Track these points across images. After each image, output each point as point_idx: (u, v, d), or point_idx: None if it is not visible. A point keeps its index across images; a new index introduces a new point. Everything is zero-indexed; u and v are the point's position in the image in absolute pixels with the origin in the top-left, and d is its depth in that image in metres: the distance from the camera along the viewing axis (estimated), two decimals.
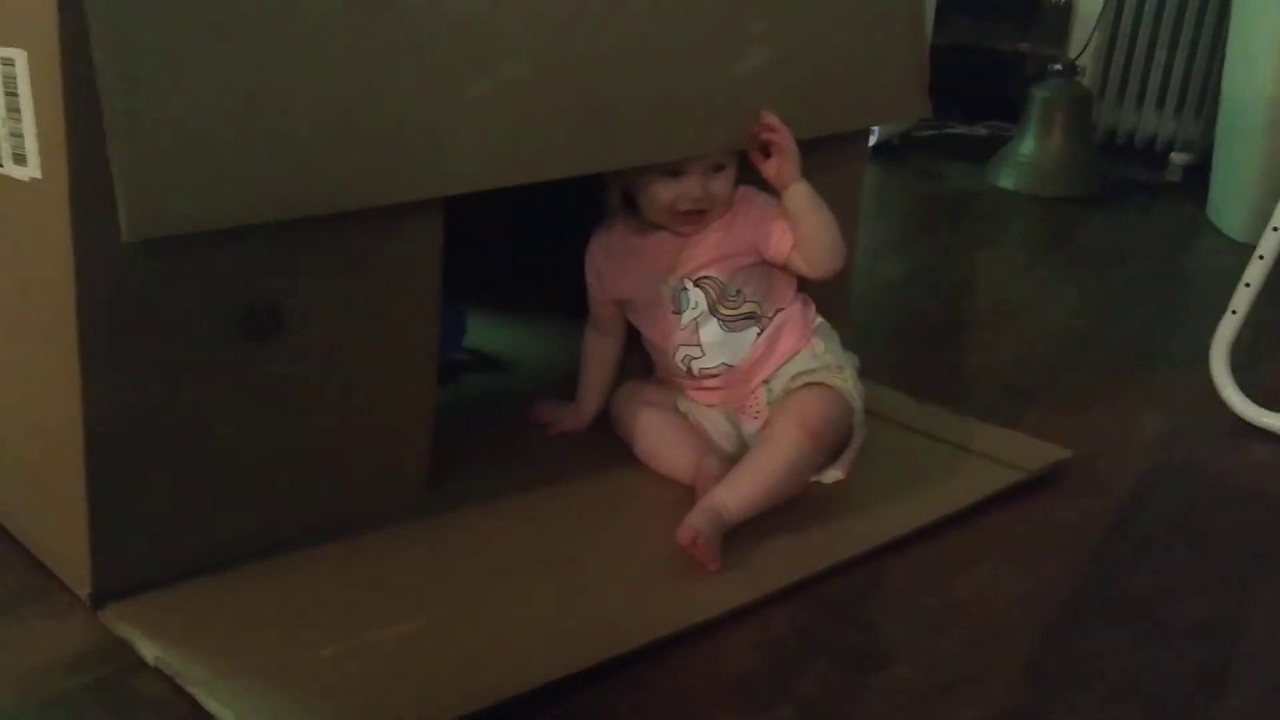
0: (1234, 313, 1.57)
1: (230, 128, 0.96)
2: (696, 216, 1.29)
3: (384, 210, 1.06)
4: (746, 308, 1.30)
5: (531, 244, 1.69)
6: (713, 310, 1.29)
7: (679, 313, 1.30)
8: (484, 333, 1.61)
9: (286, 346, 1.07)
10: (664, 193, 1.27)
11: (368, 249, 1.09)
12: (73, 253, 0.93)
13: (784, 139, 1.27)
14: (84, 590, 1.02)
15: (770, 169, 1.29)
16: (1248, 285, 1.55)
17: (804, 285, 1.36)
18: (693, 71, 1.26)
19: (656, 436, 1.31)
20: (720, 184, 1.28)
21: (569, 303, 1.39)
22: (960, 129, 3.11)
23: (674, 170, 1.26)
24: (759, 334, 1.30)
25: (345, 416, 1.13)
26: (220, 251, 1.00)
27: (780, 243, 1.30)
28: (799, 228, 1.29)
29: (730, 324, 1.30)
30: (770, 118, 1.27)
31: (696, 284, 1.30)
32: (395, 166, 1.06)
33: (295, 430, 1.10)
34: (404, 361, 1.16)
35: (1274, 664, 1.09)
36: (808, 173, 1.29)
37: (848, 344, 1.37)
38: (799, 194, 1.28)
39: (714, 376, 1.31)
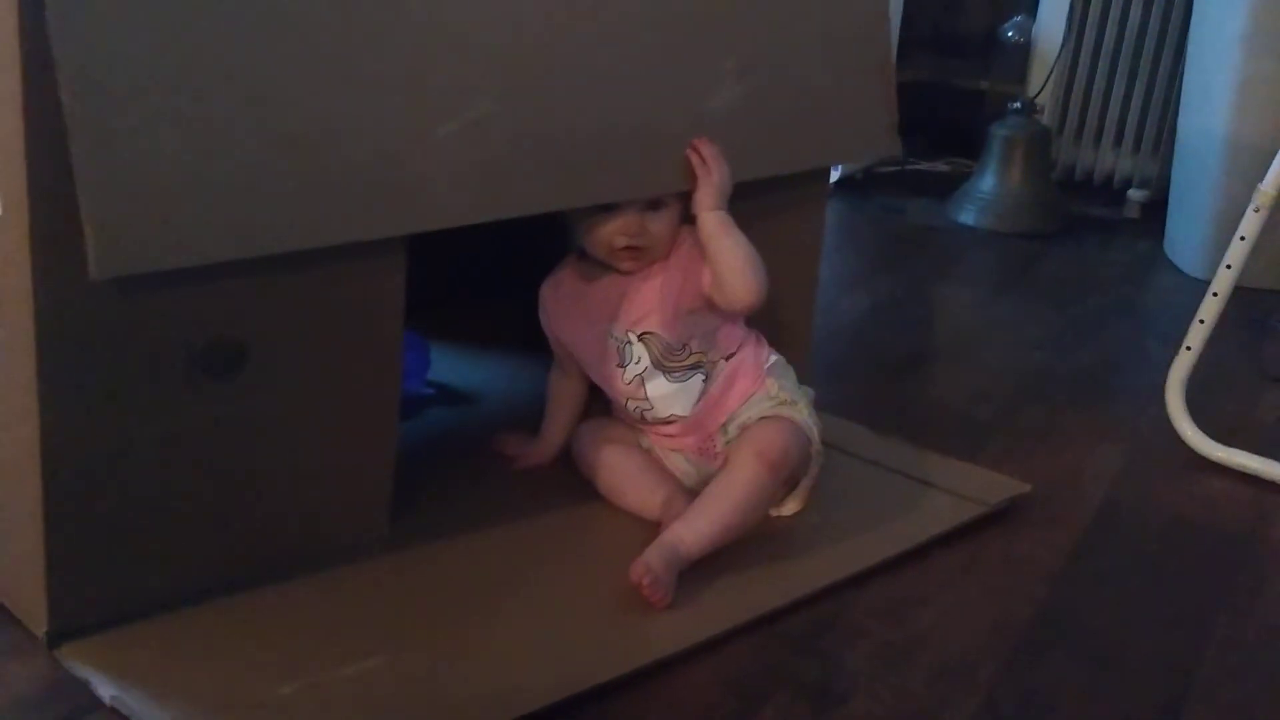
0: (1189, 348, 1.59)
1: (197, 166, 0.96)
2: (636, 253, 1.27)
3: (346, 247, 1.06)
4: (691, 360, 1.29)
5: (497, 278, 1.69)
6: (657, 365, 1.28)
7: (622, 366, 1.30)
8: (449, 367, 1.61)
9: (248, 382, 1.06)
10: (601, 230, 1.26)
11: (330, 285, 1.09)
12: (33, 290, 0.93)
13: (710, 166, 1.25)
14: (40, 629, 1.02)
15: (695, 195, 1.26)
16: (1202, 321, 1.57)
17: (758, 322, 1.36)
18: (665, 108, 1.27)
19: (618, 473, 1.31)
20: (659, 223, 1.26)
21: (534, 337, 1.40)
22: (922, 165, 3.14)
23: (610, 206, 1.25)
24: (704, 380, 1.29)
25: (307, 452, 1.13)
26: (181, 289, 1.00)
27: (705, 276, 1.27)
28: (708, 254, 1.25)
29: (675, 375, 1.29)
30: (704, 144, 1.26)
31: (640, 338, 1.28)
32: (360, 205, 1.06)
33: (256, 466, 1.10)
34: (366, 397, 1.16)
35: (1229, 697, 1.11)
36: (771, 208, 1.30)
37: (806, 378, 1.38)
38: (710, 221, 1.24)
39: (668, 424, 1.31)
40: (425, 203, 1.10)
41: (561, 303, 1.34)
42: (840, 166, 2.73)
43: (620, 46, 1.23)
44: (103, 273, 0.91)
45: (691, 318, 1.28)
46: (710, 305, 1.27)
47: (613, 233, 1.25)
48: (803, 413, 1.29)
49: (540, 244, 1.40)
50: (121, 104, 0.92)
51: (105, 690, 0.96)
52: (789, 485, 1.29)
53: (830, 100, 1.44)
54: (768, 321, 1.39)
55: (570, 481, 1.35)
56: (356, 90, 1.05)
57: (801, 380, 1.36)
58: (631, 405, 1.31)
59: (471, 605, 1.13)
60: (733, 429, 1.29)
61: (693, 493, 1.26)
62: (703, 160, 1.25)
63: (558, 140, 1.18)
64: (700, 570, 1.17)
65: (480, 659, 1.05)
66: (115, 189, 0.92)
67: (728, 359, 1.30)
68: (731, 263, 1.24)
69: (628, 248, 1.26)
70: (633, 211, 1.25)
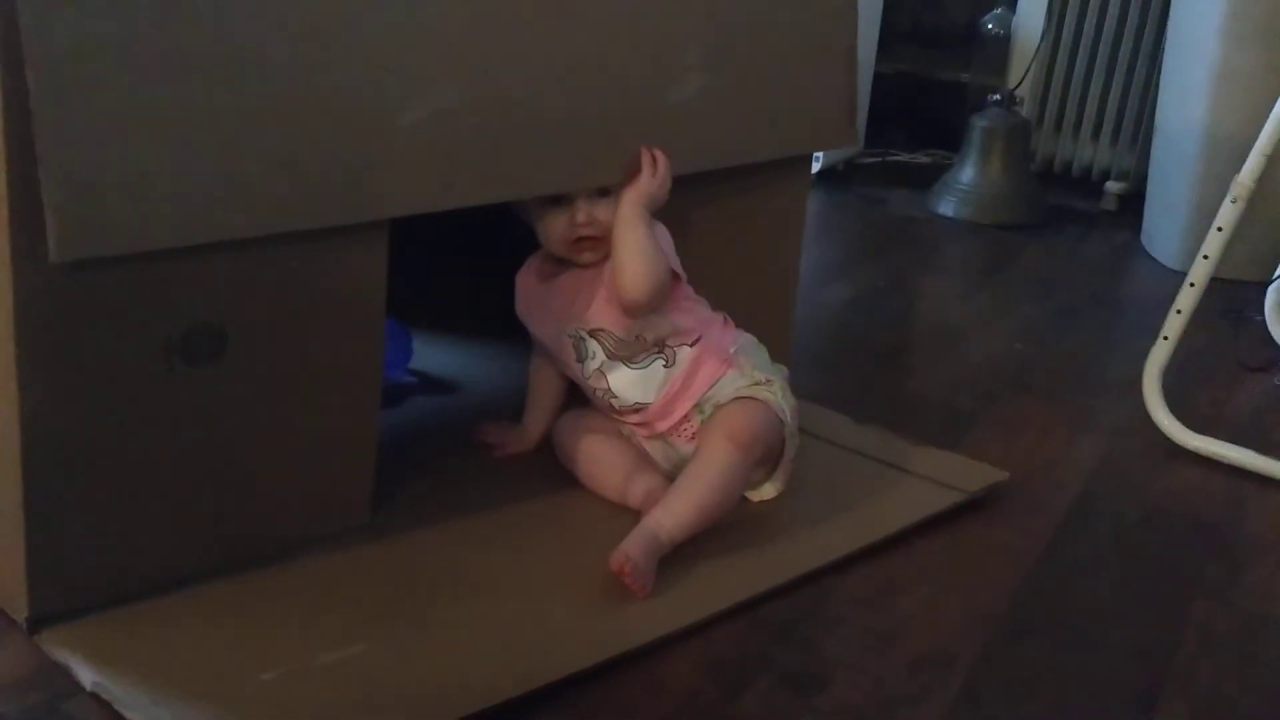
0: (1166, 338, 1.60)
1: (163, 149, 0.96)
2: (593, 243, 1.27)
3: (327, 232, 1.06)
4: (647, 347, 1.29)
5: (479, 266, 1.69)
6: (614, 358, 1.29)
7: (581, 361, 1.31)
8: (431, 355, 1.61)
9: (228, 369, 1.06)
10: (554, 224, 1.27)
11: (311, 271, 1.09)
12: (11, 275, 0.93)
13: (651, 169, 1.25)
14: (21, 614, 1.01)
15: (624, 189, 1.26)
16: (1179, 312, 1.59)
17: (740, 311, 1.36)
18: (629, 97, 1.27)
19: (598, 462, 1.31)
20: (605, 210, 1.26)
21: (516, 324, 1.40)
22: (903, 157, 3.15)
23: (558, 199, 1.25)
24: (666, 366, 1.29)
25: (288, 439, 1.13)
26: (160, 273, 0.99)
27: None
28: (612, 245, 1.25)
29: (635, 364, 1.29)
30: (659, 152, 1.25)
31: (591, 334, 1.29)
32: (332, 189, 1.06)
33: (237, 453, 1.10)
34: (347, 384, 1.16)
35: (1205, 684, 1.12)
36: (754, 197, 1.30)
37: (787, 367, 1.39)
38: (622, 212, 1.25)
39: (636, 412, 1.31)
40: (393, 189, 1.10)
41: (526, 296, 1.35)
42: (821, 158, 2.74)
43: (583, 36, 1.23)
44: (62, 255, 0.91)
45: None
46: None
47: (564, 225, 1.26)
48: (776, 393, 1.29)
49: (520, 230, 1.40)
50: (87, 87, 0.91)
51: (86, 676, 0.96)
52: (764, 465, 1.30)
53: (791, 91, 1.44)
54: (749, 310, 1.39)
55: (552, 470, 1.35)
56: (323, 74, 1.05)
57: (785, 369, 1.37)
58: (599, 394, 1.32)
59: (453, 593, 1.13)
60: (708, 408, 1.29)
61: (672, 479, 1.27)
62: (651, 161, 1.26)
63: (521, 129, 1.18)
64: (681, 557, 1.17)
65: (462, 646, 1.05)
66: (78, 172, 0.91)
67: (692, 345, 1.30)
68: (622, 256, 1.24)
69: (584, 238, 1.27)
70: (580, 201, 1.25)
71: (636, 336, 1.28)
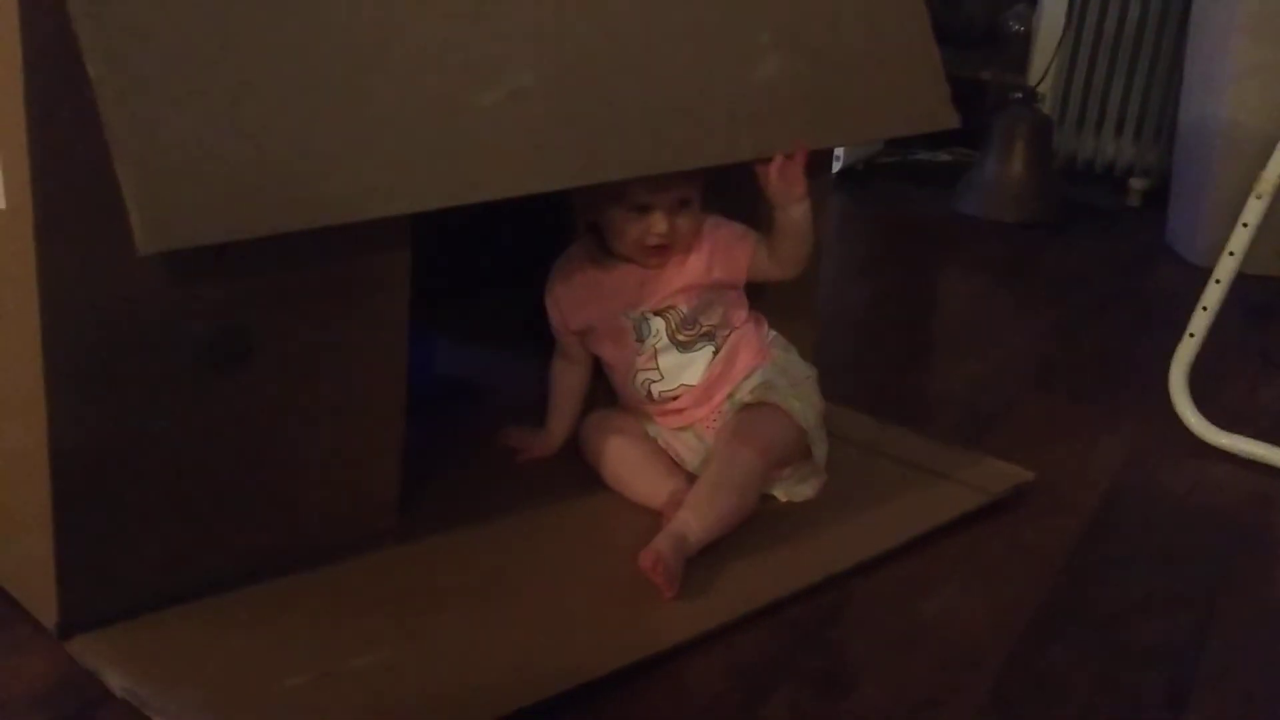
0: (1192, 335, 1.59)
1: (235, 138, 0.94)
2: (664, 251, 1.30)
3: (351, 239, 1.06)
4: (704, 331, 1.32)
5: (502, 271, 1.70)
6: (672, 339, 1.31)
7: (640, 340, 1.32)
8: (455, 359, 1.61)
9: (254, 374, 1.07)
10: (631, 229, 1.28)
11: (335, 278, 1.09)
12: (38, 283, 0.93)
13: (798, 162, 1.28)
14: (51, 621, 1.02)
15: (786, 181, 1.28)
16: (1205, 309, 1.58)
17: (762, 303, 1.38)
18: (704, 81, 1.25)
19: (624, 463, 1.31)
20: (686, 220, 1.29)
21: (539, 329, 1.40)
22: (924, 155, 3.14)
23: (641, 205, 1.27)
24: (714, 353, 1.32)
25: (314, 444, 1.13)
26: (187, 279, 1.00)
27: (747, 261, 1.33)
28: (791, 242, 1.31)
29: (687, 347, 1.32)
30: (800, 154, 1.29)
31: (658, 313, 1.31)
32: (409, 175, 1.04)
33: (263, 459, 1.10)
34: (373, 388, 1.16)
35: (1235, 682, 1.11)
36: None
37: (812, 364, 1.39)
38: (806, 211, 1.31)
39: (674, 399, 1.32)
40: (471, 174, 1.08)
41: (574, 291, 1.35)
42: (841, 157, 2.74)
43: (660, 19, 1.22)
44: (148, 247, 0.89)
45: (705, 299, 1.32)
46: (732, 284, 1.34)
47: (644, 233, 1.28)
48: (802, 398, 1.31)
49: (545, 236, 1.41)
50: (149, 77, 0.90)
51: (116, 682, 0.97)
52: (785, 465, 1.30)
53: (878, 72, 1.41)
54: (772, 311, 1.39)
55: (576, 473, 1.35)
56: (396, 62, 1.03)
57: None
58: (640, 379, 1.33)
59: (478, 597, 1.13)
60: (739, 398, 1.31)
61: (698, 473, 1.28)
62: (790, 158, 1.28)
63: (595, 113, 1.16)
64: (705, 560, 1.17)
65: (488, 649, 1.05)
66: (153, 161, 0.90)
67: (735, 332, 1.34)
68: (805, 255, 1.34)
69: (658, 246, 1.29)
70: (662, 211, 1.27)
71: (695, 320, 1.31)
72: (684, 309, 1.31)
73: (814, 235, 1.33)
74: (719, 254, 1.32)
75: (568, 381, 1.40)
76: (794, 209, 1.30)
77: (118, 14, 0.89)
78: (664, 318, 1.31)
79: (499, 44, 1.10)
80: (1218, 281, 1.56)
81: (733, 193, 1.33)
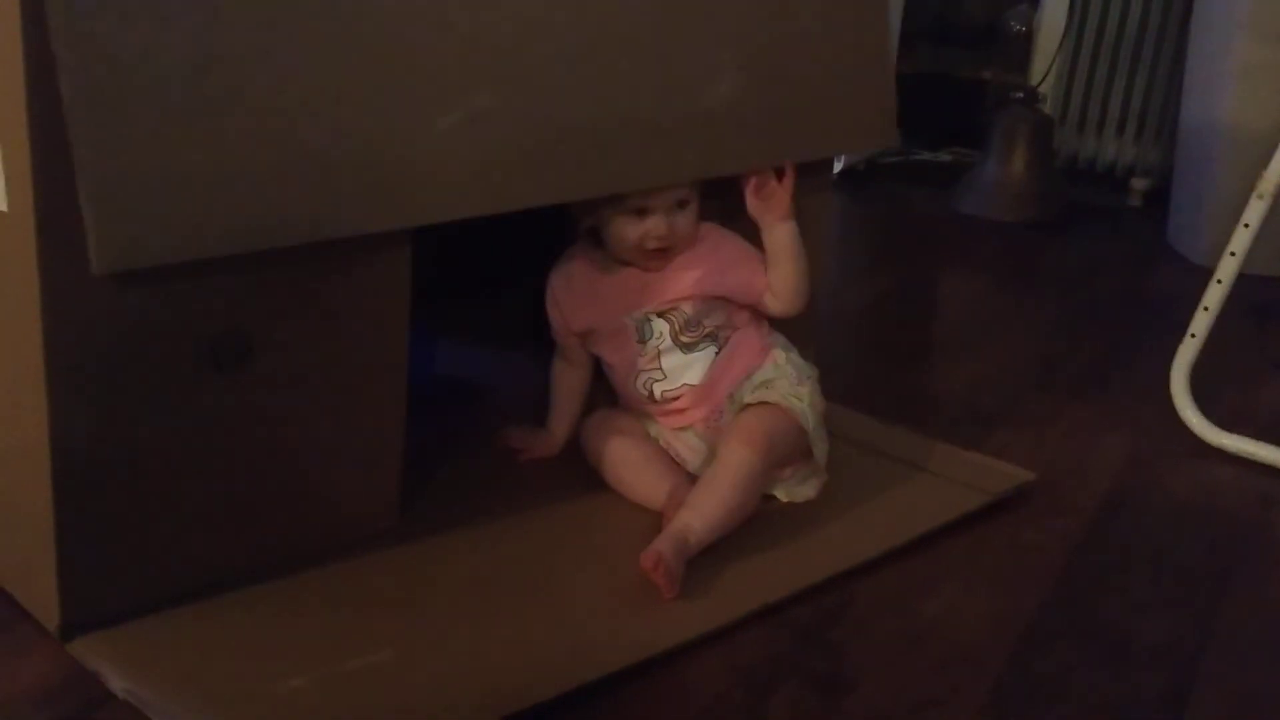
0: (1193, 336, 1.59)
1: (196, 160, 0.96)
2: (663, 254, 1.30)
3: (351, 240, 1.06)
4: (707, 332, 1.32)
5: (503, 271, 1.70)
6: (675, 340, 1.31)
7: (642, 341, 1.32)
8: (455, 360, 1.61)
9: (255, 376, 1.07)
10: (630, 231, 1.28)
11: (336, 278, 1.09)
12: (40, 285, 0.93)
13: (785, 181, 1.31)
14: (52, 622, 1.02)
15: (767, 201, 1.32)
16: (1206, 309, 1.58)
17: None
18: (664, 100, 1.27)
19: (625, 464, 1.31)
20: (684, 220, 1.29)
21: (540, 329, 1.40)
22: (925, 155, 3.14)
23: (639, 209, 1.27)
24: (717, 352, 1.32)
25: (316, 445, 1.13)
26: (187, 283, 1.00)
27: (760, 285, 1.35)
28: (779, 266, 1.33)
29: (690, 348, 1.32)
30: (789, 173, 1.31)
31: (661, 315, 1.31)
32: (363, 198, 1.06)
33: (264, 460, 1.10)
34: (373, 390, 1.16)
35: (1236, 684, 1.11)
36: None
37: (813, 364, 1.39)
38: (784, 232, 1.32)
39: (676, 399, 1.32)
40: (427, 195, 1.10)
41: (575, 293, 1.35)
42: (842, 158, 2.74)
43: (617, 39, 1.23)
44: (104, 267, 0.92)
45: (709, 303, 1.32)
46: (742, 301, 1.35)
47: (643, 235, 1.28)
48: (802, 398, 1.30)
49: (544, 236, 1.41)
50: (124, 97, 0.92)
51: (117, 683, 0.97)
52: (786, 466, 1.30)
53: (829, 90, 1.44)
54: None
55: (576, 473, 1.35)
56: (357, 81, 1.05)
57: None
58: (643, 379, 1.33)
59: (480, 597, 1.13)
60: (740, 397, 1.31)
61: (698, 474, 1.28)
62: (778, 175, 1.30)
63: (557, 133, 1.18)
64: (706, 560, 1.17)
65: (490, 650, 1.05)
66: (117, 183, 0.91)
67: (735, 331, 1.34)
68: (798, 283, 1.34)
69: (658, 249, 1.29)
70: (661, 214, 1.27)
71: (699, 322, 1.31)
72: (688, 311, 1.31)
73: (806, 268, 1.34)
74: (726, 270, 1.33)
75: (568, 382, 1.40)
76: (777, 229, 1.32)
77: (94, 35, 0.90)
78: (667, 320, 1.31)
79: (458, 66, 1.11)
80: (1219, 282, 1.56)
81: (735, 200, 1.34)
